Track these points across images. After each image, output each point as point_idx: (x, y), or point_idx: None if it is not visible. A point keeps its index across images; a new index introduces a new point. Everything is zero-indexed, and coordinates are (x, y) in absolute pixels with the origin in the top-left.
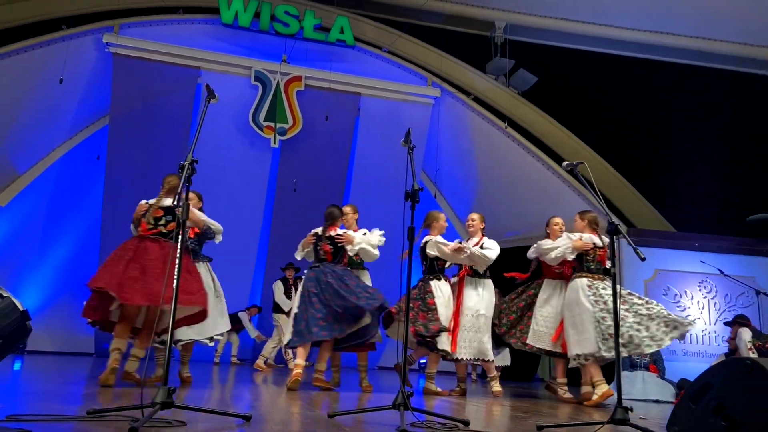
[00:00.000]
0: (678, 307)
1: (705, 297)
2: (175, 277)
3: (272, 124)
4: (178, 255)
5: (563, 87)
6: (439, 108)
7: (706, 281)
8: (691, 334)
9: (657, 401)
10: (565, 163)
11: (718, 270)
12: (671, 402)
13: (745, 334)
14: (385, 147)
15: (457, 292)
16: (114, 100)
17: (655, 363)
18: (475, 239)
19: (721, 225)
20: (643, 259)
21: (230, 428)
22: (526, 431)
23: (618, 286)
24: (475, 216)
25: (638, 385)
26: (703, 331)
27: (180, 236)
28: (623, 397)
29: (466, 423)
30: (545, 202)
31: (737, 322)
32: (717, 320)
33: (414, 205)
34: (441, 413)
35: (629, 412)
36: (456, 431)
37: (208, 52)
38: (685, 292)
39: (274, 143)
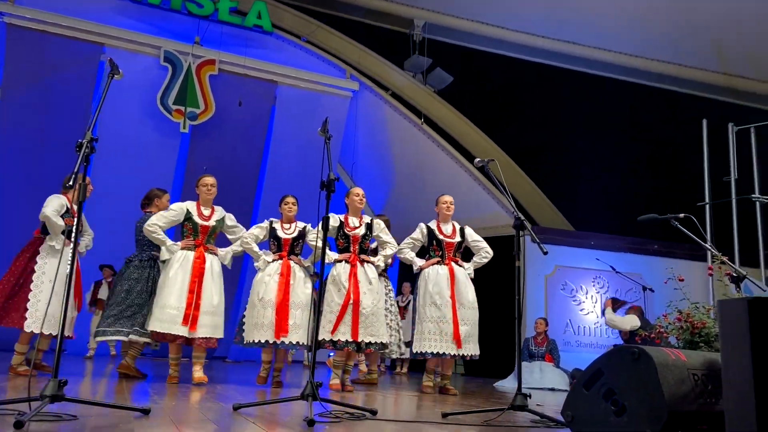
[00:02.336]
0: (573, 301)
1: (598, 292)
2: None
3: (182, 108)
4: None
5: (477, 88)
6: (357, 101)
7: (599, 277)
8: (584, 326)
9: (552, 389)
10: (477, 159)
11: (611, 267)
12: (565, 390)
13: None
14: (302, 137)
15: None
16: (7, 74)
17: (551, 353)
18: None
19: (615, 225)
20: (545, 253)
21: (127, 422)
22: (433, 418)
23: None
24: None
25: (536, 375)
26: (595, 323)
27: (75, 223)
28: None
29: (374, 412)
30: (456, 198)
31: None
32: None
33: (329, 195)
34: (349, 403)
35: (528, 398)
36: (364, 421)
37: (113, 28)
38: (581, 287)
39: (184, 128)
